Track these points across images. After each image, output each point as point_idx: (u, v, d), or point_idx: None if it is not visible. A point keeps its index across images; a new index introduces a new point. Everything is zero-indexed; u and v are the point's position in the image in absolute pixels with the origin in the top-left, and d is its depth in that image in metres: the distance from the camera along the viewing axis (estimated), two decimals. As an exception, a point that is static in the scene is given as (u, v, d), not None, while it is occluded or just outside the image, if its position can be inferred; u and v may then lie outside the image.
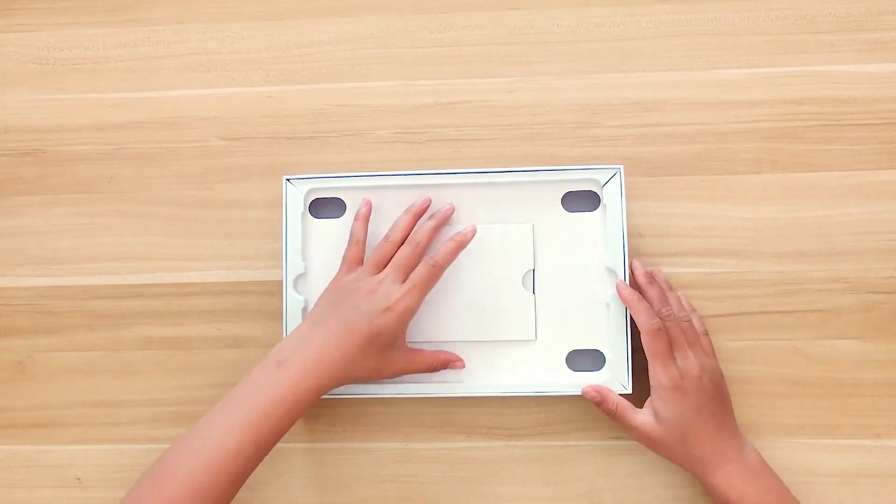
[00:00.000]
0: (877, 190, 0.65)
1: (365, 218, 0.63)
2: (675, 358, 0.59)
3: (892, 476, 0.63)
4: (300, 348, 0.57)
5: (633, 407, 0.60)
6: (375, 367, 0.59)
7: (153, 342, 0.67)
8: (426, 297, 0.59)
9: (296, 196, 0.64)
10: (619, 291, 0.61)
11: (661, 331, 0.59)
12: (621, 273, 0.62)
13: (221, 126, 0.68)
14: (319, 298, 0.60)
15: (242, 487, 0.65)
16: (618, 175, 0.62)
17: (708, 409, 0.58)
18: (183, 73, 0.69)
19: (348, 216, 0.65)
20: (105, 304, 0.67)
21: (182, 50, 0.69)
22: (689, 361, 0.58)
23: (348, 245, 0.62)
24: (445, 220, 0.63)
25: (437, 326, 0.63)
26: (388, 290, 0.58)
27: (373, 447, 0.66)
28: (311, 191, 0.64)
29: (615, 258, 0.62)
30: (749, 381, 0.64)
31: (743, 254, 0.65)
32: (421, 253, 0.60)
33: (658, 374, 0.58)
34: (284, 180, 0.64)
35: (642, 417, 0.59)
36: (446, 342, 0.64)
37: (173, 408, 0.66)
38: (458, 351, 0.63)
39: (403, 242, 0.61)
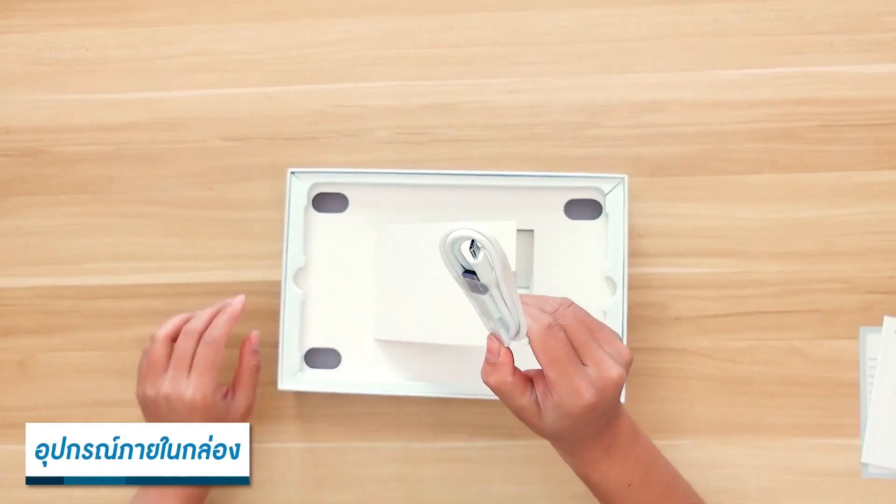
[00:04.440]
0: (876, 190, 0.65)
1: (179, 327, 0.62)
2: (582, 364, 0.46)
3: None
4: None
5: (524, 381, 0.48)
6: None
7: (154, 342, 0.67)
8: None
9: (300, 189, 0.64)
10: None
11: (553, 328, 0.46)
12: (620, 283, 0.61)
13: (222, 126, 0.68)
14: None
15: (243, 487, 0.66)
16: (621, 185, 0.62)
17: (604, 418, 0.48)
18: (184, 73, 0.69)
19: (350, 211, 0.65)
20: (106, 304, 0.67)
21: (183, 50, 0.69)
22: (606, 366, 0.46)
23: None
24: (222, 310, 0.62)
25: (434, 329, 0.63)
26: (181, 391, 0.59)
27: (373, 447, 0.66)
28: (314, 185, 0.64)
29: (615, 268, 0.62)
30: (749, 381, 0.64)
31: (743, 254, 0.65)
32: (198, 338, 0.60)
33: (561, 389, 0.46)
34: (289, 173, 0.64)
35: (529, 400, 0.48)
36: (444, 345, 0.63)
37: (174, 408, 0.66)
38: (457, 353, 0.63)
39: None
